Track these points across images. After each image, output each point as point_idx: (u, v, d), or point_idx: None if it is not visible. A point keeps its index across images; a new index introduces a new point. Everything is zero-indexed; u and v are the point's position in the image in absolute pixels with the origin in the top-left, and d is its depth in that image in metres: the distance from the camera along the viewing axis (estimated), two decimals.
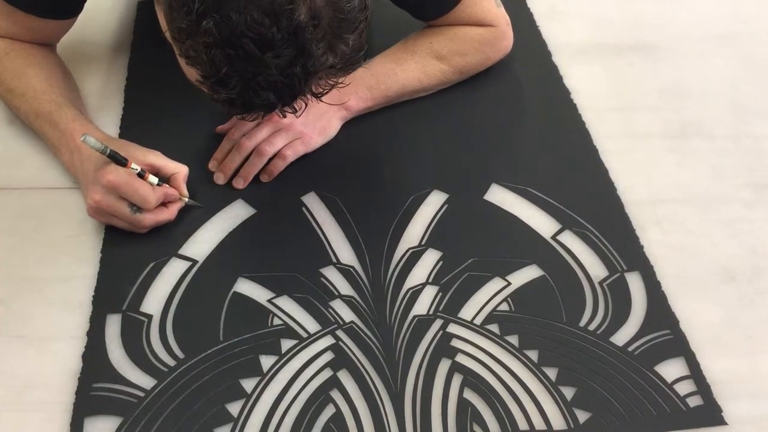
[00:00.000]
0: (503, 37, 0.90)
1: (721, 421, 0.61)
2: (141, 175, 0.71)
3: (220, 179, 0.79)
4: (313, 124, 0.81)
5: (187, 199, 0.75)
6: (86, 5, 0.83)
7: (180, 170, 0.75)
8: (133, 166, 0.71)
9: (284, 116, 0.65)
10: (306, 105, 0.65)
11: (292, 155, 0.79)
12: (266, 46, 0.56)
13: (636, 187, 0.80)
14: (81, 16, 0.85)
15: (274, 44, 0.56)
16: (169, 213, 0.74)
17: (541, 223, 0.76)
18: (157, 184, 0.72)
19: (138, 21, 1.03)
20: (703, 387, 0.63)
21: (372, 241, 0.74)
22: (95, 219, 0.73)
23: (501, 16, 0.89)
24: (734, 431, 0.61)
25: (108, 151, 0.70)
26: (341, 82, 0.66)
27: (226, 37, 0.56)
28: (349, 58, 0.62)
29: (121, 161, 0.71)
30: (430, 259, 0.73)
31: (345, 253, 0.73)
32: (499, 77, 0.92)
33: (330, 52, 0.60)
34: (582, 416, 0.61)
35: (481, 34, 0.88)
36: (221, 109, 0.62)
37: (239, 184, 0.78)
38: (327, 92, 0.65)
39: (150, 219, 0.72)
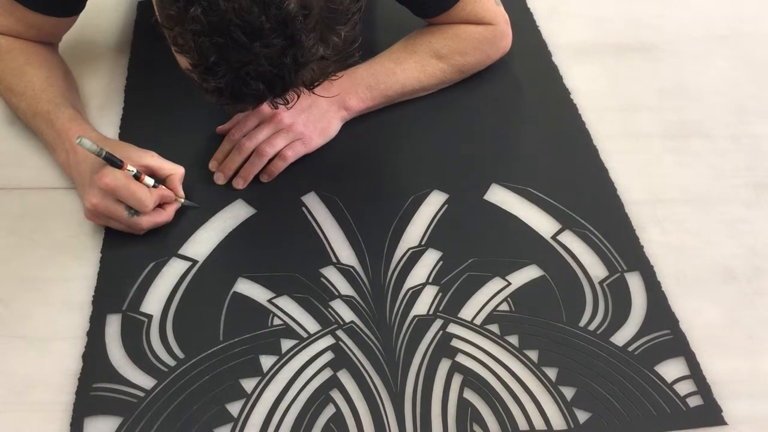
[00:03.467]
0: (503, 35, 0.90)
1: (721, 421, 0.61)
2: (137, 177, 0.71)
3: (220, 179, 0.79)
4: (313, 125, 0.80)
5: (183, 200, 0.75)
6: (87, 4, 0.83)
7: (176, 171, 0.74)
8: (129, 168, 0.71)
9: (275, 107, 0.64)
10: (298, 97, 0.64)
11: (292, 156, 0.79)
12: (255, 34, 0.55)
13: (636, 187, 0.80)
14: (81, 16, 0.85)
15: (263, 33, 0.55)
16: (167, 215, 0.74)
17: (541, 223, 0.76)
18: (153, 186, 0.72)
19: (138, 21, 1.03)
20: (703, 387, 0.63)
21: (372, 241, 0.74)
22: (92, 221, 0.73)
23: (500, 15, 0.89)
24: (734, 431, 0.61)
25: (104, 153, 0.70)
26: (336, 75, 0.65)
27: (214, 24, 0.55)
28: (342, 50, 0.61)
29: (117, 163, 0.70)
30: (430, 259, 0.73)
31: (345, 253, 0.73)
32: (499, 77, 0.92)
33: (322, 44, 0.59)
34: (582, 416, 0.61)
35: (480, 32, 0.88)
36: (210, 99, 0.61)
37: (239, 184, 0.78)
38: (319, 84, 0.64)
39: (147, 221, 0.72)
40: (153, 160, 0.74)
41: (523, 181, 0.80)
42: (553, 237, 0.75)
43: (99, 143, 0.71)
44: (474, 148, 0.84)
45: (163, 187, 0.73)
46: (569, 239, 0.75)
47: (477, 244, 0.74)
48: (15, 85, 0.81)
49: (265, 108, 0.78)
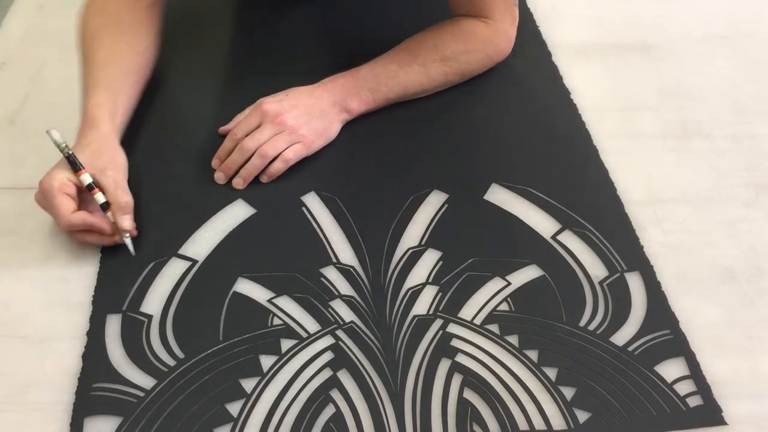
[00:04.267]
0: (506, 38, 0.90)
1: (721, 421, 0.61)
2: (91, 188, 0.70)
3: (221, 179, 0.79)
4: (315, 127, 0.80)
5: (125, 237, 0.71)
6: None
7: (116, 201, 0.71)
8: (85, 177, 0.70)
9: None
10: None
11: (293, 158, 0.79)
12: None
13: (636, 187, 0.80)
14: None
15: None
16: (99, 240, 0.71)
17: (541, 223, 0.76)
18: (102, 204, 0.71)
19: None
20: (703, 387, 0.63)
21: (372, 241, 0.74)
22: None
23: (509, 14, 0.88)
24: (734, 431, 0.61)
25: (66, 152, 0.70)
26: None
27: None
28: None
29: (77, 166, 0.70)
30: (430, 259, 0.73)
31: (345, 253, 0.73)
32: (499, 77, 0.92)
33: None
34: (582, 416, 0.61)
35: (485, 34, 0.88)
36: None
37: (239, 184, 0.78)
38: None
39: (76, 237, 0.71)
40: (108, 179, 0.72)
41: (523, 181, 0.80)
42: (553, 237, 0.75)
43: (95, 140, 0.71)
44: (474, 148, 0.84)
45: (108, 214, 0.71)
46: (569, 239, 0.75)
47: (477, 244, 0.74)
48: (84, 48, 0.82)
49: (268, 107, 0.79)
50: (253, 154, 0.78)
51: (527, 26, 1.01)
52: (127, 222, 0.72)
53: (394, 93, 0.85)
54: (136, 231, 0.73)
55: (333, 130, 0.82)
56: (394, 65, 0.85)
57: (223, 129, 0.83)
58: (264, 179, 0.79)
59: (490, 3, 0.86)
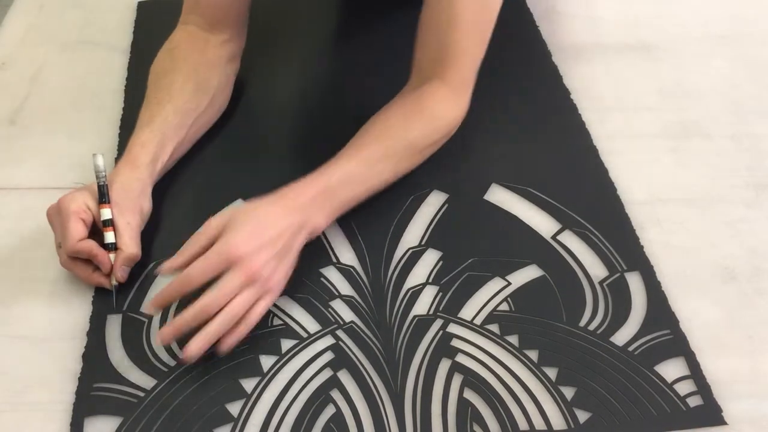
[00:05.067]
0: (463, 113, 0.80)
1: (721, 421, 0.61)
2: (106, 224, 0.68)
3: (167, 338, 0.63)
4: (284, 271, 0.67)
5: (114, 284, 0.69)
6: (87, 5, 0.83)
7: (125, 250, 0.68)
8: (106, 211, 0.68)
9: None
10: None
11: (262, 312, 0.65)
12: None
13: (636, 187, 0.80)
14: (81, 16, 0.86)
15: None
16: (86, 276, 0.69)
17: (541, 223, 0.76)
18: (111, 245, 0.68)
19: (138, 21, 1.03)
20: (703, 387, 0.63)
21: (372, 241, 0.74)
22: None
23: (467, 80, 0.79)
24: (734, 431, 0.61)
25: (102, 181, 0.69)
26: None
27: None
28: None
29: (103, 198, 0.69)
30: (430, 259, 0.73)
31: (345, 253, 0.73)
32: (499, 77, 0.92)
33: None
34: (582, 416, 0.61)
35: (451, 118, 0.79)
36: None
37: (192, 351, 0.62)
38: None
39: (65, 261, 0.69)
40: (124, 224, 0.69)
41: (523, 181, 0.80)
42: (553, 237, 0.75)
43: (128, 181, 0.71)
44: (474, 148, 0.84)
45: (110, 255, 0.68)
46: (569, 239, 0.75)
47: (477, 244, 0.74)
48: (149, 84, 0.81)
49: (239, 252, 0.63)
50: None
51: (527, 26, 1.01)
52: (124, 274, 0.69)
53: (359, 199, 0.73)
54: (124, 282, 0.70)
55: (295, 261, 0.69)
56: (365, 167, 0.72)
57: (173, 264, 0.65)
58: (224, 349, 0.63)
59: (454, 71, 0.77)
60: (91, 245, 0.67)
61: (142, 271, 0.71)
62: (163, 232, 0.75)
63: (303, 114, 0.89)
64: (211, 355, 0.64)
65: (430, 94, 0.77)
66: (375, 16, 0.87)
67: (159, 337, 0.63)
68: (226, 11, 0.84)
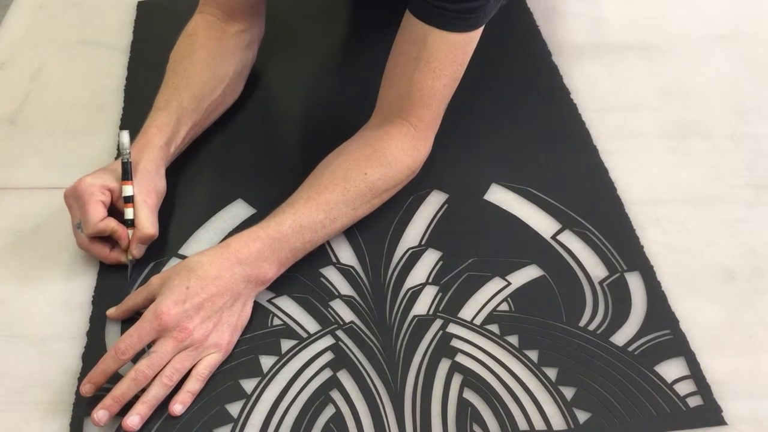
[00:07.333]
0: (424, 156, 0.78)
1: (721, 421, 0.61)
2: (127, 201, 0.70)
3: (103, 419, 0.59)
4: (227, 324, 0.65)
5: (129, 259, 0.71)
6: (87, 5, 0.83)
7: (141, 229, 0.69)
8: (128, 188, 0.70)
9: None
10: None
11: (210, 373, 0.63)
12: None
13: (636, 187, 0.80)
14: (81, 16, 0.86)
15: None
16: (105, 254, 0.70)
17: (541, 223, 0.76)
18: (130, 221, 0.70)
19: (138, 21, 1.03)
20: (703, 387, 0.63)
21: (372, 241, 0.74)
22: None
23: (435, 125, 0.77)
24: (734, 431, 0.61)
25: (126, 158, 0.70)
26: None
27: None
28: None
29: (126, 175, 0.70)
30: (430, 259, 0.73)
31: (345, 253, 0.73)
32: (499, 77, 0.92)
33: None
34: (582, 416, 0.61)
35: (412, 162, 0.76)
36: None
37: (134, 420, 0.59)
38: None
39: (84, 242, 0.70)
40: (143, 203, 0.70)
41: (523, 181, 0.80)
42: (553, 237, 0.75)
43: (143, 161, 0.72)
44: (474, 148, 0.84)
45: (129, 230, 0.70)
46: (569, 239, 0.75)
47: (477, 244, 0.74)
48: (168, 69, 0.82)
49: (167, 319, 0.61)
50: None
51: (527, 26, 1.01)
52: (141, 251, 0.71)
53: (315, 244, 0.70)
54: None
55: (247, 311, 0.67)
56: (322, 214, 0.69)
57: (110, 314, 0.67)
58: (178, 409, 0.61)
59: (421, 112, 0.75)
60: (113, 223, 0.69)
61: (141, 272, 0.71)
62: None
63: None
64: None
65: (393, 136, 0.74)
66: (387, 13, 0.88)
67: (94, 415, 0.59)
68: (241, 2, 0.85)
